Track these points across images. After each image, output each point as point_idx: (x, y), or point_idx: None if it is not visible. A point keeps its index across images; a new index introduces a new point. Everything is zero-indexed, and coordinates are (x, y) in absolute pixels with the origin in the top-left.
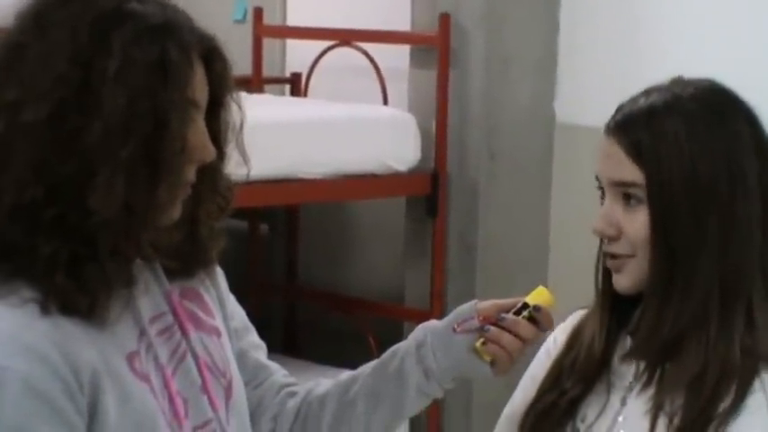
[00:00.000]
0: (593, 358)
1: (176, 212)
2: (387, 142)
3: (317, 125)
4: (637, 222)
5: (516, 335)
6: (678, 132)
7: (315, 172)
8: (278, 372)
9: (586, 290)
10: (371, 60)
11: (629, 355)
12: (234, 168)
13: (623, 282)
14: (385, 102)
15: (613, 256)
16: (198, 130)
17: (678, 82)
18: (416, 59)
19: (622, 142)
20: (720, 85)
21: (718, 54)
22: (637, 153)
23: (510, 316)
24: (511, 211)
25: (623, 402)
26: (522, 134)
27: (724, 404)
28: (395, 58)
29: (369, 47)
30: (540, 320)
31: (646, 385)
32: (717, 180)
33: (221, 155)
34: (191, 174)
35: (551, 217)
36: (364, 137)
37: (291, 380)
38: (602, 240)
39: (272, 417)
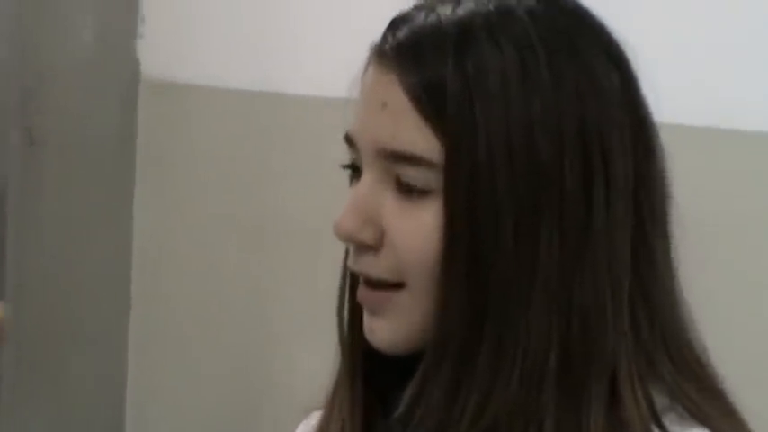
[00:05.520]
0: None
1: None
2: None
3: None
4: (417, 227)
5: None
6: (507, 73)
7: None
8: None
9: (188, 356)
10: None
11: None
12: None
13: (382, 331)
14: None
15: (368, 283)
16: None
17: None
18: None
19: (408, 82)
20: (575, 1)
21: None
22: (434, 106)
23: None
24: (66, 230)
25: None
26: (85, 99)
27: None
28: None
29: None
30: None
31: None
32: (563, 167)
33: None
34: None
35: (134, 236)
36: None
37: None
38: (347, 252)
39: None
